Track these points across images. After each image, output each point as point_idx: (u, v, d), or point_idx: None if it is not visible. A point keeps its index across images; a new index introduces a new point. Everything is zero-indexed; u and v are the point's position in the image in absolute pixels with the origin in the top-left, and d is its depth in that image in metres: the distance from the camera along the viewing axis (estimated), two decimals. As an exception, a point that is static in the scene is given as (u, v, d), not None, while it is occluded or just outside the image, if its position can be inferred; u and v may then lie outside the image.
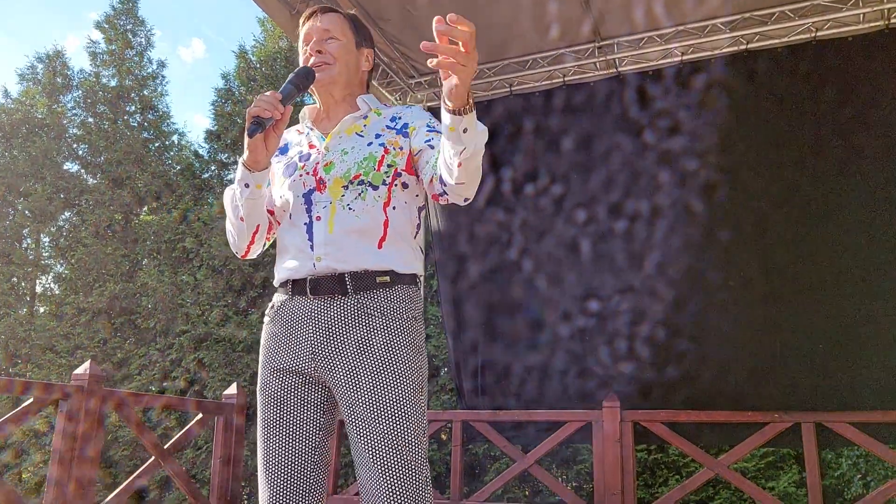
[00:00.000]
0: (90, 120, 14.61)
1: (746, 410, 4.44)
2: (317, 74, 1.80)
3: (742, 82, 4.78)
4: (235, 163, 13.32)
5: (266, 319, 1.82)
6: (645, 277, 4.81)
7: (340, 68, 1.85)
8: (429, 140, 1.77)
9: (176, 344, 11.50)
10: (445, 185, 1.63)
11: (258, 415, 1.74)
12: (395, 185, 1.76)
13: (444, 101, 1.50)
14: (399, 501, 1.54)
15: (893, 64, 4.47)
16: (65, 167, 14.47)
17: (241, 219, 1.75)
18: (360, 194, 1.72)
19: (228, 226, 1.82)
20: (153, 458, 4.20)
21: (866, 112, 4.45)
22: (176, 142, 15.03)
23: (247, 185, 1.71)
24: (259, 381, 1.77)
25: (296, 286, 1.73)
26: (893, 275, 4.36)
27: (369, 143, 1.78)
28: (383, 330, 1.66)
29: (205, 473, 10.06)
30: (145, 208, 13.90)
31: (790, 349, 4.49)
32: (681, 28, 4.89)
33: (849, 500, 9.19)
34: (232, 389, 4.80)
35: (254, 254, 1.87)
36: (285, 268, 1.77)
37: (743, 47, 4.81)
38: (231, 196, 1.77)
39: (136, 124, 14.67)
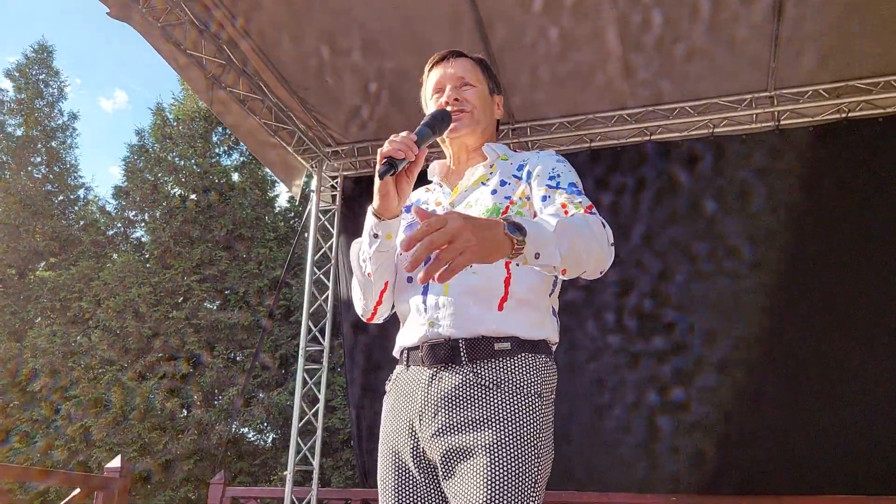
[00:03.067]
0: (-11, 169, 13.95)
1: (645, 493, 4.48)
2: (455, 124, 1.66)
3: (644, 170, 5.02)
4: (143, 220, 12.92)
5: (387, 393, 1.67)
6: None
7: (479, 116, 1.71)
8: (545, 198, 1.55)
9: (62, 410, 10.77)
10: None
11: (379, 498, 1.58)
12: None
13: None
14: None
15: (783, 162, 4.79)
16: (-43, 217, 13.67)
17: (369, 275, 1.60)
18: None
19: (354, 284, 1.67)
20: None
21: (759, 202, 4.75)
22: (82, 196, 14.49)
23: (376, 236, 1.55)
24: (379, 459, 1.60)
25: (411, 355, 1.57)
26: (786, 361, 4.56)
27: (493, 192, 1.60)
28: (499, 409, 1.42)
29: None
30: (42, 264, 13.21)
31: (688, 432, 4.58)
32: (590, 117, 5.11)
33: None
34: (116, 462, 4.47)
35: (381, 316, 1.69)
36: (402, 336, 1.61)
37: (647, 138, 5.05)
38: (357, 250, 1.63)
39: (39, 176, 14.08)
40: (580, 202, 1.51)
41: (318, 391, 5.29)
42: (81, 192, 14.53)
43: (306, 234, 5.76)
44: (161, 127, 13.31)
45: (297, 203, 13.14)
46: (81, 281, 11.95)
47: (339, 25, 4.38)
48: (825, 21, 4.15)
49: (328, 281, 5.58)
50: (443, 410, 1.46)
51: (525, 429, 1.41)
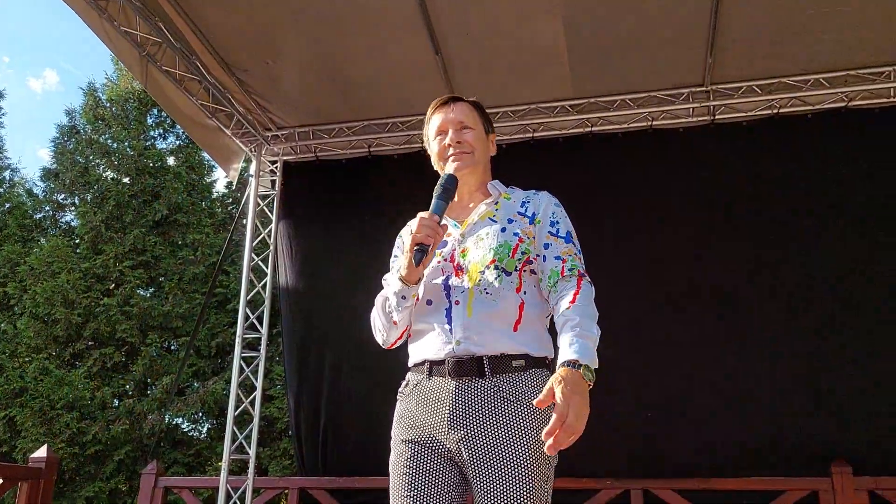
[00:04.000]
0: None
1: (581, 477, 4.55)
2: (458, 164, 1.92)
3: (585, 161, 5.10)
4: (73, 204, 12.48)
5: (399, 396, 1.90)
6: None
7: (478, 156, 1.97)
8: (547, 245, 1.87)
9: (-15, 400, 10.34)
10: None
11: (391, 488, 1.79)
12: (525, 271, 1.84)
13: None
14: None
15: (716, 154, 4.92)
16: None
17: (395, 323, 1.88)
18: (495, 278, 1.80)
19: (378, 325, 1.94)
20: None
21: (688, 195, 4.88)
22: (7, 178, 13.86)
23: (404, 297, 1.81)
24: (392, 454, 1.83)
25: (434, 367, 1.81)
26: (715, 347, 4.70)
27: (503, 229, 1.86)
28: (518, 419, 1.70)
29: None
30: (-37, 248, 12.60)
31: (622, 417, 4.68)
32: (533, 107, 5.15)
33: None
34: (42, 452, 4.32)
35: (397, 345, 1.98)
36: (423, 349, 1.85)
37: (588, 129, 5.13)
38: (382, 303, 1.90)
39: (-39, 156, 13.41)
40: (576, 259, 1.85)
41: (256, 379, 5.21)
42: (7, 174, 13.90)
43: (244, 221, 5.65)
44: (93, 108, 12.83)
45: (234, 189, 12.89)
46: (7, 266, 11.46)
47: (282, 7, 4.30)
48: (759, 19, 4.27)
49: (267, 268, 5.48)
50: (472, 418, 1.72)
51: (541, 437, 1.65)
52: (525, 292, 1.83)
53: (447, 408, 1.75)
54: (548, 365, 1.84)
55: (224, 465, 4.88)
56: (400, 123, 5.35)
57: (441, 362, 1.79)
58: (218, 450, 10.06)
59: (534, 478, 1.67)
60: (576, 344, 1.65)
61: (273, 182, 5.62)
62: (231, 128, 5.29)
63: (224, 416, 9.34)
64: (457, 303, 1.80)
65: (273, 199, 5.56)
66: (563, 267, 1.83)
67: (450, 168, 1.93)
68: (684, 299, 4.82)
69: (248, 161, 5.74)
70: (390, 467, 1.82)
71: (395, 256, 2.08)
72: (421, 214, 1.78)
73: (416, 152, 5.37)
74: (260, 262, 5.49)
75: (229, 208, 13.31)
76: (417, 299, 1.87)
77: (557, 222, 1.91)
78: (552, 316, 1.85)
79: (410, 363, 1.90)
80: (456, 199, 1.97)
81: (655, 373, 4.75)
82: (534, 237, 1.89)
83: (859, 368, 4.49)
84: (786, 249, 4.73)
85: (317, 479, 5.09)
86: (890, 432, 4.39)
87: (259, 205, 5.55)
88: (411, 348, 1.91)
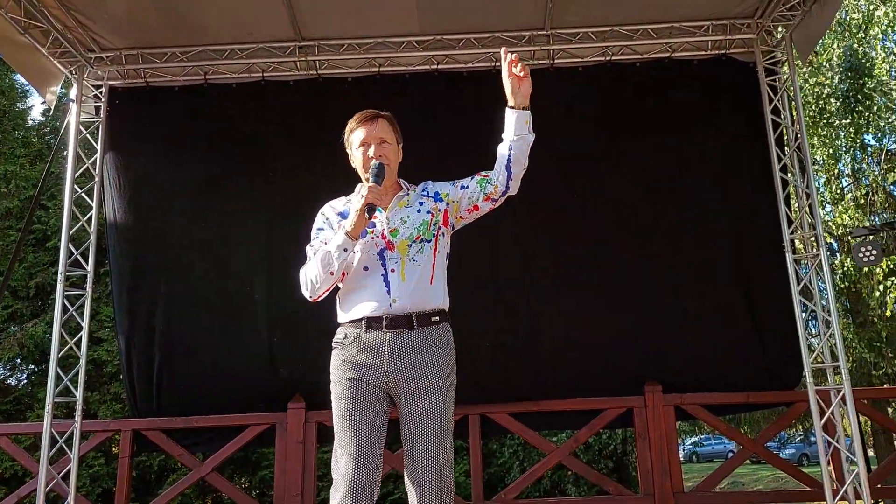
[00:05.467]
0: None
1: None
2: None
3: (431, 98, 5.12)
4: None
5: (338, 346, 2.44)
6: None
7: (394, 167, 2.57)
8: (462, 186, 2.56)
9: None
10: (512, 178, 2.50)
11: (336, 415, 2.36)
12: (439, 235, 2.50)
13: (514, 102, 2.54)
14: (434, 468, 2.28)
15: (555, 97, 5.09)
16: None
17: (332, 273, 2.38)
18: (419, 250, 2.43)
19: (313, 276, 2.42)
20: None
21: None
22: None
23: (345, 250, 2.35)
24: (337, 389, 2.38)
25: (371, 322, 2.37)
26: (553, 280, 4.99)
27: (418, 211, 2.50)
28: (437, 357, 2.39)
29: None
30: None
31: (466, 350, 4.87)
32: (379, 40, 5.07)
33: (508, 485, 10.18)
34: None
35: (323, 297, 2.47)
36: (360, 308, 2.40)
37: (434, 67, 5.14)
38: (323, 256, 2.38)
39: None
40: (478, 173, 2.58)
41: (81, 319, 4.89)
42: None
43: (64, 151, 5.19)
44: None
45: (52, 116, 11.75)
46: None
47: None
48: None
49: (92, 201, 5.09)
50: (406, 358, 2.36)
51: (452, 371, 2.44)
52: (439, 252, 2.48)
53: (385, 353, 2.35)
54: (448, 318, 2.49)
55: (48, 407, 4.58)
56: (238, 50, 5.08)
57: (378, 318, 2.36)
58: (40, 396, 9.41)
59: (447, 394, 2.37)
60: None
61: (97, 108, 5.18)
62: (47, 46, 4.79)
63: (46, 362, 8.71)
64: (392, 271, 2.39)
65: (98, 127, 5.14)
66: (479, 175, 2.55)
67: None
68: (518, 237, 5.03)
69: (68, 85, 5.24)
70: (334, 400, 2.38)
71: (321, 229, 2.53)
72: (369, 185, 2.37)
73: (255, 82, 5.15)
74: (84, 195, 5.09)
75: (47, 138, 12.14)
76: (351, 262, 2.41)
77: (453, 181, 2.59)
78: (492, 192, 2.53)
79: (345, 320, 2.44)
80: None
81: (500, 310, 4.97)
82: (439, 210, 2.52)
83: (668, 304, 4.94)
84: (617, 186, 5.06)
85: (151, 420, 4.92)
86: (694, 358, 4.90)
87: (82, 133, 5.11)
88: (347, 307, 2.44)
